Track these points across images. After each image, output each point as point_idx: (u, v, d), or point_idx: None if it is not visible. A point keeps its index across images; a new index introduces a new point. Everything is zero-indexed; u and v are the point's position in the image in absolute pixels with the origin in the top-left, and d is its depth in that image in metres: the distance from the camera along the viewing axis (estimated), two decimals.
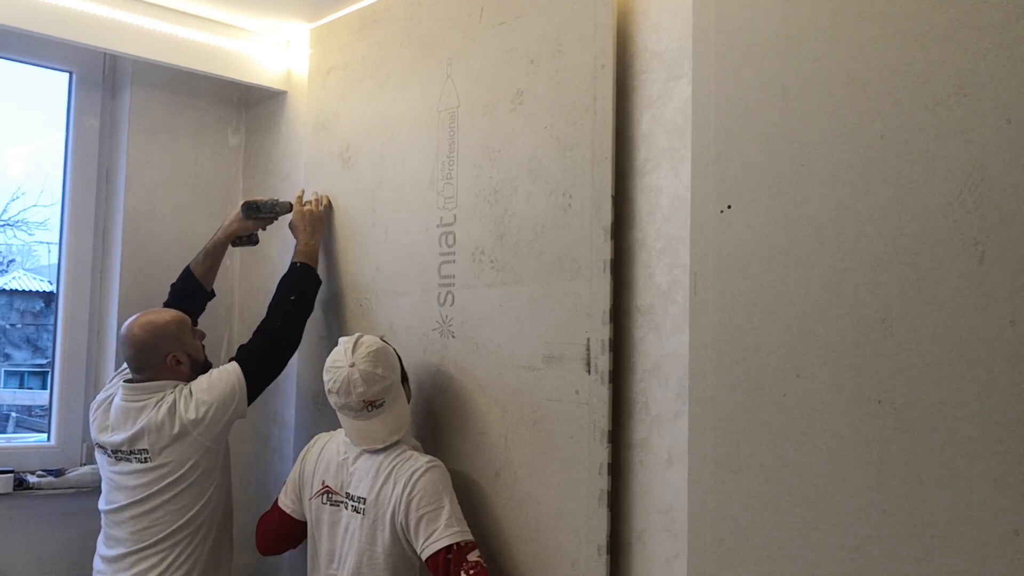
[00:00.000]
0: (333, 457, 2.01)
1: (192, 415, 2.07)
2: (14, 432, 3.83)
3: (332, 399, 1.93)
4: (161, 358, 2.14)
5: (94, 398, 2.28)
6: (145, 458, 2.08)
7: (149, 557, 2.07)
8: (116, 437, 2.11)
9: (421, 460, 1.87)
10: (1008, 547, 1.17)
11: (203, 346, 2.28)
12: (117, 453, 2.12)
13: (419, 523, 1.80)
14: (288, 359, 2.26)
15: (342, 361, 1.90)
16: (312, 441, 2.13)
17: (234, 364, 2.17)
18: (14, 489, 2.42)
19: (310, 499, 2.03)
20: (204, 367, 2.23)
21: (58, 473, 2.52)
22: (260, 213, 2.42)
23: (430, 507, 1.81)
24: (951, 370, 1.23)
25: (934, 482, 1.24)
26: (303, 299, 2.30)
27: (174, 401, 2.09)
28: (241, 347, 2.24)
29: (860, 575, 1.31)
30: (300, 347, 2.37)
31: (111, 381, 2.28)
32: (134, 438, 2.08)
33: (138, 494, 2.08)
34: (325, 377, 1.94)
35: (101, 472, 2.19)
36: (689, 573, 1.53)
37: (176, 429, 2.06)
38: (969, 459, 1.21)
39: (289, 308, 2.27)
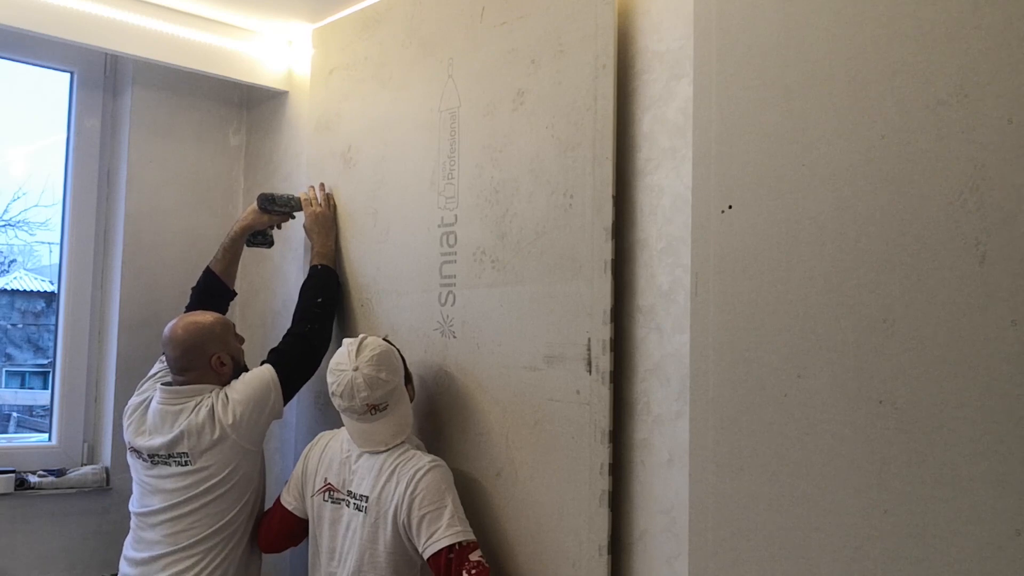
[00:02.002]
0: (336, 455, 2.01)
1: (230, 419, 2.06)
2: (15, 432, 3.83)
3: (336, 402, 1.94)
4: (206, 359, 2.14)
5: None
6: (185, 461, 2.07)
7: (183, 560, 2.05)
8: (154, 441, 2.10)
9: (424, 459, 1.88)
10: (1010, 547, 1.17)
11: (242, 350, 2.28)
12: (154, 457, 2.10)
13: (421, 522, 1.80)
14: (320, 359, 2.26)
15: (345, 364, 1.90)
16: (315, 439, 2.13)
17: (267, 366, 2.17)
18: (15, 489, 2.42)
19: (312, 496, 2.03)
20: (245, 368, 2.23)
21: (59, 473, 2.52)
22: (275, 206, 2.41)
23: (432, 506, 1.81)
24: (952, 370, 1.23)
25: (935, 482, 1.24)
26: (329, 300, 2.31)
27: (212, 405, 2.08)
28: (272, 350, 2.24)
29: (861, 575, 1.31)
30: None
31: (142, 386, 2.27)
32: (173, 442, 2.07)
33: (176, 497, 2.07)
34: (329, 380, 1.94)
35: (133, 476, 2.17)
36: (690, 573, 1.53)
37: (216, 433, 2.06)
38: (970, 459, 1.21)
39: (317, 310, 2.28)
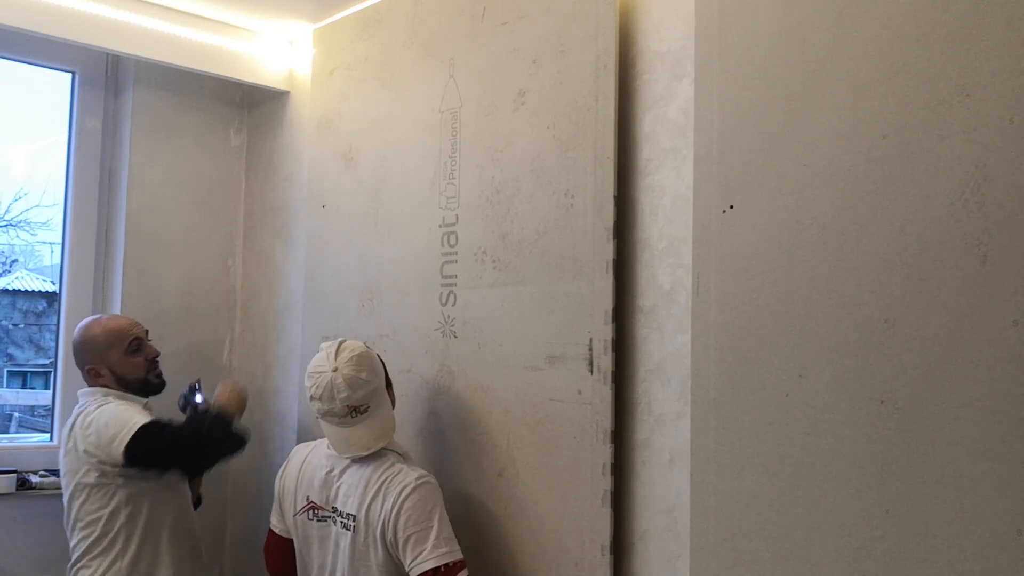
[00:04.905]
0: (316, 472, 1.94)
1: (80, 438, 2.04)
2: (17, 432, 3.84)
3: (315, 406, 1.86)
4: (82, 366, 2.17)
5: None
6: (66, 464, 2.12)
7: (82, 569, 2.08)
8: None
9: (411, 476, 1.81)
10: (1011, 547, 1.17)
11: (151, 363, 2.20)
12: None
13: (407, 543, 1.75)
14: (181, 464, 2.09)
15: (324, 366, 1.84)
16: (290, 455, 2.06)
17: (145, 420, 2.01)
18: (17, 489, 2.43)
19: (294, 516, 1.96)
20: (144, 383, 2.18)
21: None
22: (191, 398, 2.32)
23: (418, 527, 1.75)
24: (954, 370, 1.23)
25: (937, 482, 1.24)
26: (198, 439, 2.06)
27: (79, 414, 2.10)
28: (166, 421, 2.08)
29: (863, 575, 1.31)
30: (303, 350, 2.36)
31: None
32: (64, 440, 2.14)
33: (65, 499, 2.14)
34: (307, 383, 1.87)
35: None
36: (692, 573, 1.53)
37: (69, 442, 2.09)
38: (972, 459, 1.21)
39: (187, 433, 2.06)
